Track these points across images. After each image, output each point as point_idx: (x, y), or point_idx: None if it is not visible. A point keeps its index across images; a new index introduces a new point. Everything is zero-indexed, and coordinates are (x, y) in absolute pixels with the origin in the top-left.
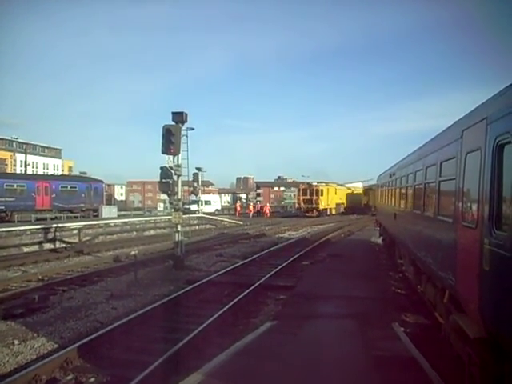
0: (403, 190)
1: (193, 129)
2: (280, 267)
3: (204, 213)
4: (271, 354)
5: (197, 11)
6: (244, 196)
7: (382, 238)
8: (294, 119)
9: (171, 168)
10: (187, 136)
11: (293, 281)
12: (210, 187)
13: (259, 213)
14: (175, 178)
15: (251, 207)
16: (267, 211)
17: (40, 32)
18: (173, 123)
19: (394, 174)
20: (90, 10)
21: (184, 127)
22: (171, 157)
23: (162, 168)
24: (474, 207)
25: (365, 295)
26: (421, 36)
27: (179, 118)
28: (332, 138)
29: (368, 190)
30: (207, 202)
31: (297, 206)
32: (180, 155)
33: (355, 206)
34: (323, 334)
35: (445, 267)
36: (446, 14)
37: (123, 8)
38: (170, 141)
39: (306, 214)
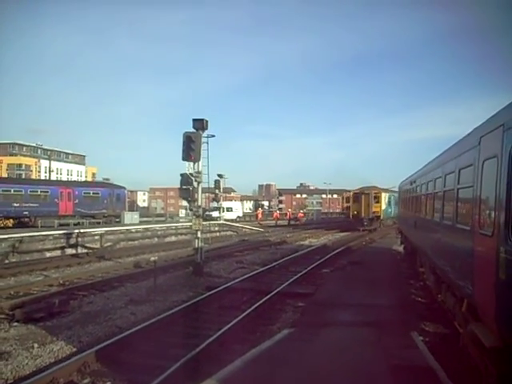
0: (423, 198)
1: (213, 136)
2: (300, 274)
3: (225, 219)
4: (286, 361)
5: (221, 17)
6: (266, 203)
7: (403, 245)
8: (317, 125)
9: (191, 175)
10: (208, 143)
11: (312, 288)
12: (232, 194)
13: (296, 219)
14: (195, 184)
15: (276, 214)
16: (300, 217)
17: (65, 39)
18: (193, 130)
19: (414, 182)
20: (114, 18)
21: (204, 134)
22: (192, 163)
23: (182, 175)
24: (491, 215)
25: (384, 303)
26: (442, 42)
27: (200, 124)
28: (353, 144)
29: (359, 196)
30: (229, 209)
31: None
32: (200, 162)
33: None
34: (340, 341)
35: (462, 276)
36: (469, 19)
37: (146, 16)
38: (191, 148)
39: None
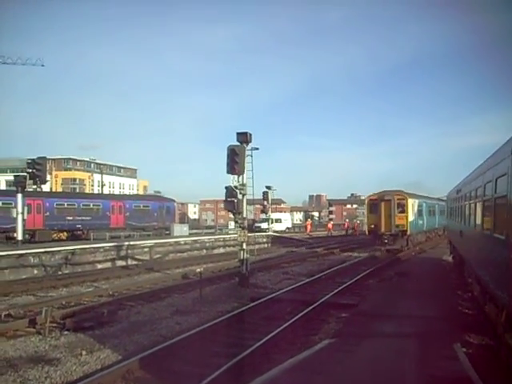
0: (467, 207)
1: (257, 149)
2: (345, 285)
3: (274, 231)
4: (324, 371)
5: (267, 30)
6: (316, 214)
7: (452, 255)
8: (366, 136)
9: (236, 187)
10: (252, 155)
11: (357, 299)
12: (282, 205)
13: (353, 229)
14: (240, 197)
15: (330, 225)
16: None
17: (117, 56)
18: (237, 143)
19: (460, 191)
20: (164, 33)
21: (248, 147)
22: (236, 176)
23: (227, 187)
24: None
25: (429, 314)
26: (494, 48)
27: (243, 138)
28: (403, 153)
29: (377, 203)
30: (278, 220)
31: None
32: (245, 174)
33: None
34: (381, 352)
35: (500, 285)
36: None
37: (196, 31)
38: (235, 161)
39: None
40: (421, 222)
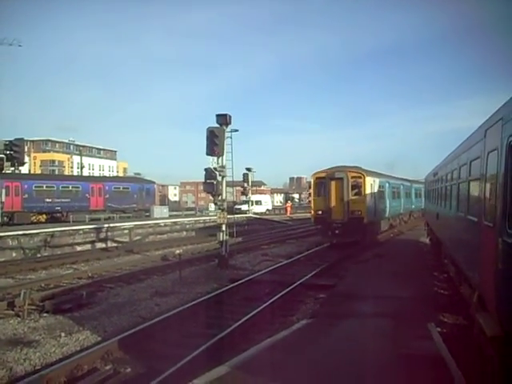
0: (443, 190)
1: (237, 130)
2: (322, 267)
3: (254, 213)
4: (300, 350)
5: (245, 15)
6: (297, 196)
7: (429, 238)
8: (342, 119)
9: (215, 169)
10: (231, 137)
11: (334, 280)
12: (263, 187)
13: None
14: (219, 178)
15: (288, 207)
16: None
17: (94, 39)
18: (217, 125)
19: (436, 174)
20: (142, 15)
21: (228, 129)
22: (216, 158)
23: (206, 169)
24: (493, 206)
25: (405, 295)
26: (470, 33)
27: (223, 120)
28: (383, 136)
29: (324, 182)
30: (258, 202)
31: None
32: (224, 156)
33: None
34: (356, 332)
35: (472, 266)
36: (498, 10)
37: (173, 14)
38: (214, 142)
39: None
40: (384, 206)
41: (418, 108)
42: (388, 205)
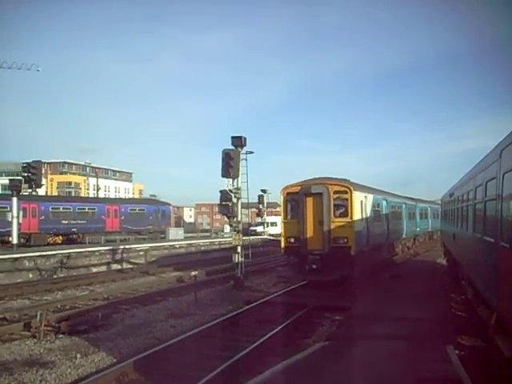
0: (459, 210)
1: (252, 152)
2: (340, 288)
3: (269, 234)
4: (315, 373)
5: (263, 35)
6: None
7: (446, 258)
8: (360, 139)
9: (230, 191)
10: (246, 159)
11: (350, 302)
12: (278, 208)
13: None
14: (235, 200)
15: None
16: None
17: (111, 58)
18: (232, 147)
19: (452, 194)
20: (158, 37)
21: (243, 151)
22: (231, 180)
23: (221, 191)
24: (510, 227)
25: (422, 317)
26: (489, 52)
27: (238, 142)
28: (399, 157)
29: (299, 197)
30: (273, 224)
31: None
32: (240, 178)
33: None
34: (373, 354)
35: (489, 288)
36: None
37: (191, 39)
38: (229, 164)
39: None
40: (378, 230)
41: (431, 129)
42: (386, 228)
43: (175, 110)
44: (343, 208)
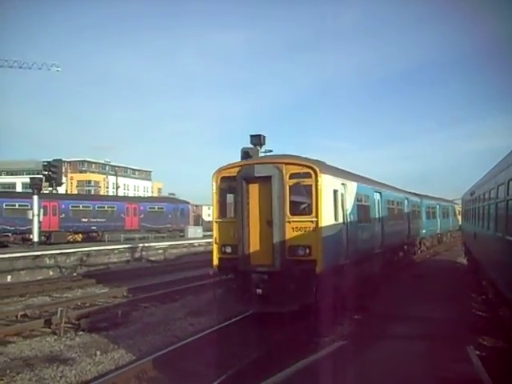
0: (480, 209)
1: (271, 151)
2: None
3: None
4: (331, 374)
5: (281, 35)
6: None
7: (466, 258)
8: (380, 138)
9: None
10: None
11: (370, 301)
12: None
13: None
14: None
15: None
16: None
17: (129, 56)
18: (251, 146)
19: (473, 193)
20: (176, 34)
21: (262, 149)
22: None
23: None
24: None
25: (442, 317)
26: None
27: (257, 140)
28: (418, 156)
29: (239, 186)
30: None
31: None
32: None
33: None
34: (392, 354)
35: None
36: None
37: (210, 37)
38: None
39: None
40: (365, 235)
41: (453, 126)
42: (381, 233)
43: (193, 108)
44: (305, 200)
